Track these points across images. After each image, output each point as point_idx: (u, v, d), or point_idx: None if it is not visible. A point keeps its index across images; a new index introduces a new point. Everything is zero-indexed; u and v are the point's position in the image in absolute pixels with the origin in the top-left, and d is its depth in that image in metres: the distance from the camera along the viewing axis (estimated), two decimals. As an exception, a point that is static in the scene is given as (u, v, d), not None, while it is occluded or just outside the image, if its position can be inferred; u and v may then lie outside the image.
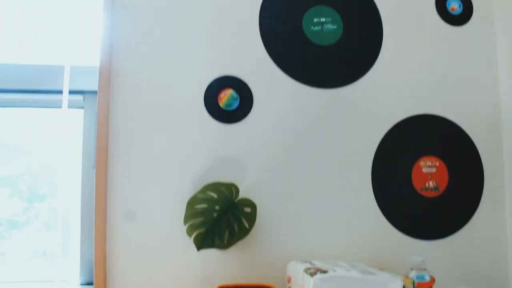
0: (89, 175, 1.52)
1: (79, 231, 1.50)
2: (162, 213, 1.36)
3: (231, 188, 1.33)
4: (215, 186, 1.33)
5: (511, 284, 1.49)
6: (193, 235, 1.32)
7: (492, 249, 1.51)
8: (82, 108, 1.58)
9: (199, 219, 1.32)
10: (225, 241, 1.33)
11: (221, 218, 1.33)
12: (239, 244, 1.34)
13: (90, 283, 1.46)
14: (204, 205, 1.32)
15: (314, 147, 1.45)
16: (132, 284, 1.34)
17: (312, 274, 1.11)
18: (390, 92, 1.51)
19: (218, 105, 1.41)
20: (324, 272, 1.12)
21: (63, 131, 1.56)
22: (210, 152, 1.40)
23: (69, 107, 1.56)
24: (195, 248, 1.33)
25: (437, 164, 1.50)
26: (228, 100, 1.42)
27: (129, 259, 1.34)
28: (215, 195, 1.32)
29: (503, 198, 1.54)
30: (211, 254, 1.36)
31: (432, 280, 1.29)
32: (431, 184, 1.50)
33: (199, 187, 1.34)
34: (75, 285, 1.47)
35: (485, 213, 1.52)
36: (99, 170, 1.37)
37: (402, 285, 1.15)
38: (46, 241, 1.54)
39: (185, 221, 1.32)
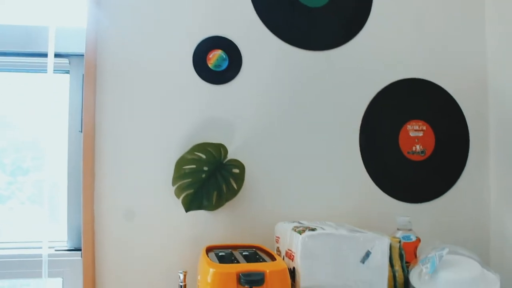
0: (76, 140, 1.49)
1: (66, 196, 1.48)
2: (150, 174, 1.35)
3: (220, 149, 1.32)
4: (203, 147, 1.32)
5: (491, 247, 1.52)
6: (181, 197, 1.32)
7: (475, 213, 1.53)
8: (68, 73, 1.54)
9: (187, 180, 1.31)
10: (213, 202, 1.33)
11: (209, 179, 1.32)
12: (227, 205, 1.34)
13: (78, 249, 1.44)
14: (192, 166, 1.31)
15: (302, 109, 1.44)
16: (120, 246, 1.34)
17: (300, 232, 1.12)
18: (378, 55, 1.50)
19: (207, 66, 1.39)
20: (313, 230, 1.13)
21: (48, 98, 1.53)
22: (199, 113, 1.38)
23: (54, 71, 1.53)
24: (183, 210, 1.32)
25: (424, 128, 1.51)
26: (217, 61, 1.40)
27: (116, 221, 1.34)
28: (203, 156, 1.32)
29: (487, 164, 1.55)
30: (200, 215, 1.36)
31: (418, 240, 1.31)
32: (418, 148, 1.51)
33: (187, 148, 1.33)
34: (62, 250, 1.46)
35: (470, 178, 1.54)
36: (86, 134, 1.35)
37: (389, 243, 1.17)
38: (31, 213, 1.52)
39: (174, 182, 1.31)
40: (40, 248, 1.39)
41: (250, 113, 1.41)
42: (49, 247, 1.42)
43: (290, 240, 1.15)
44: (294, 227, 1.17)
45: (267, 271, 0.99)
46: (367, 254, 1.13)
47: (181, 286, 1.29)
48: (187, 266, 1.33)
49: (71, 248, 1.46)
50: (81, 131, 1.42)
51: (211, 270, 0.99)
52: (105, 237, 1.33)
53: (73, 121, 1.49)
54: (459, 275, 1.14)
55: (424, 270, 1.16)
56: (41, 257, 1.38)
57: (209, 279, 0.98)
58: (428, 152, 1.51)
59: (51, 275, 1.40)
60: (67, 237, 1.47)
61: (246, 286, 0.96)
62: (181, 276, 1.28)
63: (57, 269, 1.41)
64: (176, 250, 1.35)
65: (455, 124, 1.53)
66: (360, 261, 1.13)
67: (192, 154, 1.31)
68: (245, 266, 1.01)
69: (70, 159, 1.48)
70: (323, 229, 1.14)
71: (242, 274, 0.97)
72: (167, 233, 1.35)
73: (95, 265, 1.34)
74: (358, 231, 1.17)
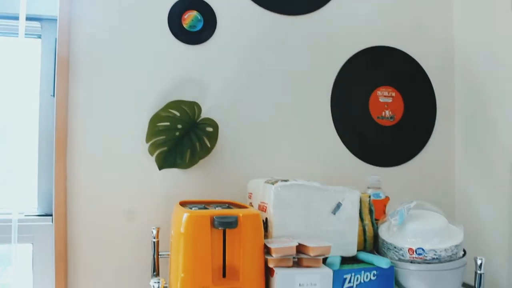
0: (48, 105, 1.47)
1: (37, 162, 1.46)
2: (124, 132, 1.34)
3: (194, 107, 1.32)
4: (177, 104, 1.31)
5: (456, 208, 1.56)
6: (155, 154, 1.31)
7: (441, 176, 1.57)
8: (40, 37, 1.51)
9: (161, 138, 1.31)
10: (187, 160, 1.33)
11: (183, 137, 1.32)
12: (200, 163, 1.34)
13: (48, 214, 1.43)
14: (166, 123, 1.31)
15: (275, 71, 1.45)
16: (93, 204, 1.32)
17: (273, 183, 1.13)
18: (349, 23, 1.52)
19: (182, 26, 1.39)
20: (285, 181, 1.14)
21: (19, 62, 1.50)
22: (173, 72, 1.38)
23: (25, 36, 1.50)
24: (157, 167, 1.32)
25: (393, 94, 1.54)
26: (192, 21, 1.40)
27: (89, 180, 1.32)
28: (177, 113, 1.31)
29: (452, 130, 1.60)
30: (173, 173, 1.35)
31: (387, 198, 1.34)
32: (387, 113, 1.54)
33: (162, 106, 1.32)
34: (32, 215, 1.44)
35: (436, 144, 1.58)
36: (59, 98, 1.32)
37: (359, 195, 1.19)
38: (0, 179, 1.49)
39: (147, 139, 1.30)
40: (10, 214, 1.36)
41: (224, 74, 1.41)
42: (19, 213, 1.39)
43: (263, 192, 1.16)
44: (267, 180, 1.18)
45: (240, 215, 0.99)
46: (338, 206, 1.15)
47: (154, 242, 1.29)
48: (160, 224, 1.33)
49: (41, 214, 1.44)
50: (53, 96, 1.40)
51: (186, 214, 0.99)
52: (77, 197, 1.32)
53: (45, 86, 1.47)
54: (426, 226, 1.17)
55: (392, 222, 1.19)
56: (11, 222, 1.35)
57: (183, 224, 0.98)
58: (397, 118, 1.54)
59: (20, 240, 1.37)
60: (37, 203, 1.45)
61: (219, 228, 0.97)
62: (154, 232, 1.28)
63: (27, 234, 1.39)
64: (149, 208, 1.34)
65: (422, 91, 1.57)
66: (332, 212, 1.15)
67: (166, 112, 1.31)
68: (218, 212, 1.01)
69: (41, 123, 1.46)
70: (295, 181, 1.15)
71: (216, 217, 0.97)
72: (140, 191, 1.34)
73: (67, 226, 1.32)
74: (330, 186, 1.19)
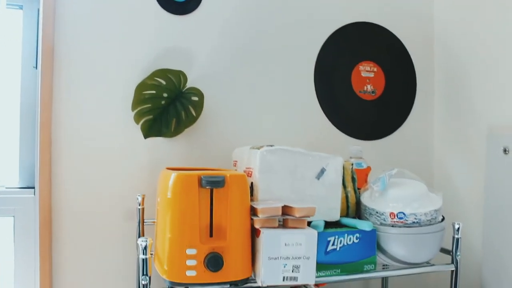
0: (30, 76, 1.45)
1: (18, 135, 1.44)
2: (109, 100, 1.33)
3: (180, 76, 1.32)
4: (163, 73, 1.31)
5: (435, 179, 1.60)
6: (141, 122, 1.31)
7: (421, 150, 1.61)
8: (21, 8, 1.49)
9: (146, 106, 1.30)
10: (172, 129, 1.33)
11: (168, 106, 1.32)
12: (186, 131, 1.35)
13: (31, 187, 1.41)
14: (152, 91, 1.30)
15: (260, 44, 1.46)
16: (78, 173, 1.32)
17: (259, 148, 1.14)
18: (334, -1, 1.54)
19: (168, -4, 1.39)
20: (271, 146, 1.15)
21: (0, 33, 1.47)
22: (159, 42, 1.37)
23: (6, 6, 1.47)
24: (142, 136, 1.32)
25: (375, 69, 1.56)
26: (178, -9, 1.40)
27: (74, 148, 1.31)
28: (163, 82, 1.31)
29: (432, 104, 1.63)
30: (158, 141, 1.35)
31: (368, 168, 1.36)
32: (369, 87, 1.56)
33: (148, 74, 1.32)
34: (14, 188, 1.41)
35: (417, 117, 1.61)
36: (45, 69, 1.30)
37: (342, 162, 1.21)
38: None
39: (133, 107, 1.30)
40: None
41: (210, 44, 1.41)
42: (0, 186, 1.38)
43: (248, 158, 1.17)
44: (252, 146, 1.19)
45: (228, 175, 1.00)
46: (322, 171, 1.17)
47: (139, 209, 1.29)
48: (145, 192, 1.33)
49: (23, 187, 1.42)
50: (36, 68, 1.38)
51: (174, 174, 0.99)
52: (62, 166, 1.31)
53: (27, 58, 1.45)
54: (407, 191, 1.19)
55: (374, 188, 1.21)
56: (-8, 195, 1.33)
57: (171, 184, 0.98)
58: (379, 93, 1.56)
59: (1, 213, 1.36)
60: (19, 176, 1.43)
61: (207, 187, 0.97)
62: (139, 199, 1.28)
63: (8, 207, 1.37)
64: (134, 176, 1.34)
65: (403, 66, 1.59)
66: (316, 178, 1.17)
67: (152, 80, 1.30)
68: (206, 172, 1.01)
69: (23, 96, 1.44)
70: (280, 146, 1.16)
71: (203, 176, 0.97)
72: (125, 160, 1.34)
73: (51, 195, 1.31)
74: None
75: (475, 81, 1.46)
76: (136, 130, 1.32)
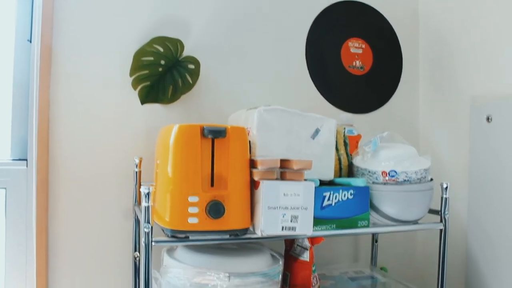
0: (24, 50, 1.44)
1: (10, 108, 1.42)
2: (108, 66, 1.33)
3: (177, 44, 1.33)
4: (161, 40, 1.32)
5: (421, 151, 1.63)
6: (138, 88, 1.32)
7: (408, 124, 1.65)
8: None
9: (144, 72, 1.31)
10: (169, 96, 1.34)
11: (165, 73, 1.33)
12: (182, 98, 1.35)
13: (23, 159, 1.40)
14: (150, 58, 1.31)
15: (255, 16, 1.47)
16: (75, 139, 1.31)
17: (256, 108, 1.15)
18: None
19: (165, -34, 1.40)
20: (268, 105, 1.17)
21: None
22: (158, 10, 1.37)
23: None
24: (139, 102, 1.33)
25: (363, 46, 1.60)
26: (174, -38, 1.41)
27: (72, 112, 1.31)
28: (161, 49, 1.32)
29: (417, 80, 1.67)
30: (155, 108, 1.36)
31: (359, 135, 1.38)
32: (357, 63, 1.59)
33: (146, 42, 1.33)
34: (5, 160, 1.39)
35: (403, 93, 1.65)
36: (44, 38, 1.29)
37: (335, 124, 1.23)
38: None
39: (131, 73, 1.31)
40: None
41: (206, 14, 1.42)
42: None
43: (245, 119, 1.18)
44: (248, 108, 1.21)
45: (229, 127, 1.01)
46: (317, 131, 1.19)
47: (136, 172, 1.29)
48: (142, 157, 1.32)
49: (15, 159, 1.41)
50: (30, 41, 1.38)
51: (176, 126, 1.00)
52: (60, 133, 1.30)
53: (21, 30, 1.43)
54: (398, 151, 1.22)
55: (366, 150, 1.24)
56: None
57: (174, 135, 0.99)
58: (367, 68, 1.60)
59: (-6, 186, 1.34)
60: (11, 148, 1.40)
61: (209, 137, 0.98)
62: (137, 161, 1.29)
63: (0, 179, 1.35)
64: (131, 141, 1.34)
65: (390, 44, 1.63)
66: (311, 137, 1.19)
67: (150, 47, 1.31)
68: (208, 124, 1.02)
69: (16, 69, 1.42)
70: (277, 106, 1.18)
71: (205, 126, 0.99)
72: (122, 125, 1.33)
73: (49, 164, 1.30)
74: (309, 114, 1.22)
75: (458, 54, 1.50)
76: (133, 96, 1.32)
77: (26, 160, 1.35)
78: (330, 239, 1.54)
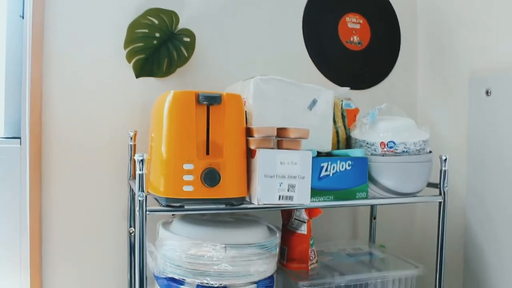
0: (16, 26, 1.41)
1: (3, 85, 1.40)
2: (102, 39, 1.30)
3: (172, 16, 1.31)
4: (156, 12, 1.29)
5: (419, 123, 1.61)
6: (133, 61, 1.29)
7: (406, 100, 1.63)
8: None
9: (139, 45, 1.29)
10: (164, 69, 1.31)
11: (160, 46, 1.30)
12: (178, 71, 1.33)
13: (16, 137, 1.37)
14: (144, 30, 1.29)
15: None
16: (69, 112, 1.28)
17: (251, 78, 1.13)
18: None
19: None
20: (264, 75, 1.14)
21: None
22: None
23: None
24: (134, 76, 1.30)
25: (361, 21, 1.57)
26: None
27: (65, 87, 1.28)
28: (156, 21, 1.29)
29: (416, 55, 1.65)
30: (150, 81, 1.33)
31: (357, 109, 1.36)
32: (355, 38, 1.57)
33: (140, 13, 1.30)
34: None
35: (401, 69, 1.63)
36: (36, 13, 1.27)
37: (333, 95, 1.21)
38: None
39: (126, 46, 1.28)
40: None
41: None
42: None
43: (241, 89, 1.15)
44: (245, 79, 1.18)
45: (224, 93, 0.99)
46: (314, 102, 1.17)
47: (130, 145, 1.27)
48: (137, 129, 1.30)
49: (8, 136, 1.38)
50: (22, 17, 1.35)
51: (171, 92, 0.98)
52: (53, 105, 1.27)
53: (13, 6, 1.41)
54: (397, 123, 1.20)
55: (364, 121, 1.21)
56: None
57: (168, 101, 0.97)
58: (365, 44, 1.57)
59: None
60: (4, 126, 1.37)
61: (204, 103, 0.96)
62: (131, 134, 1.27)
63: None
64: (125, 115, 1.31)
65: (388, 20, 1.61)
66: (308, 108, 1.17)
67: (145, 19, 1.28)
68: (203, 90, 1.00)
69: (8, 45, 1.40)
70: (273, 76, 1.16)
71: (200, 93, 0.96)
72: (117, 99, 1.30)
73: (42, 140, 1.28)
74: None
75: (457, 28, 1.48)
76: (128, 70, 1.30)
77: (20, 138, 1.32)
78: (328, 215, 1.52)
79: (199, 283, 1.02)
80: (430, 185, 1.23)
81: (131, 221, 1.28)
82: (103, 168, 1.30)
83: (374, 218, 1.52)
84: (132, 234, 1.26)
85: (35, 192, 1.27)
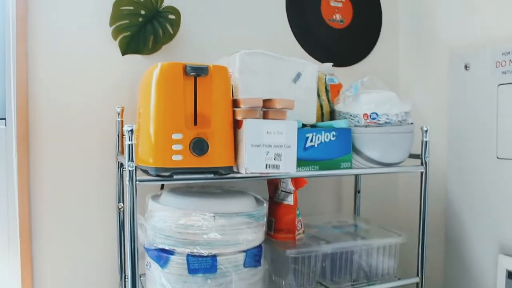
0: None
1: None
2: (88, 16, 1.29)
3: (156, -7, 1.32)
4: (140, -11, 1.31)
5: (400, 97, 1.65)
6: (119, 39, 1.30)
7: (387, 76, 1.66)
8: None
9: (125, 22, 1.30)
10: (150, 47, 1.33)
11: (146, 24, 1.31)
12: (164, 49, 1.34)
13: (1, 118, 1.37)
14: (130, 7, 1.29)
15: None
16: (55, 93, 1.29)
17: (237, 53, 1.15)
18: None
19: None
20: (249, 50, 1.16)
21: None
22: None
23: None
24: (120, 53, 1.31)
25: (343, 0, 1.60)
26: None
27: (51, 65, 1.28)
28: (140, -2, 1.31)
29: (397, 33, 1.69)
30: (136, 58, 1.34)
31: (340, 84, 1.39)
32: (337, 17, 1.59)
33: (125, -9, 1.31)
34: None
35: (383, 47, 1.66)
36: None
37: (317, 68, 1.24)
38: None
39: (111, 23, 1.29)
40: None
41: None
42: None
43: (227, 63, 1.16)
44: (230, 54, 1.20)
45: (211, 65, 1.01)
46: (298, 75, 1.19)
47: (118, 121, 1.28)
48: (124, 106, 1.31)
49: None
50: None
51: (159, 65, 0.99)
52: (39, 84, 1.27)
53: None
54: (379, 95, 1.23)
55: (347, 94, 1.24)
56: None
57: (156, 73, 0.98)
58: (347, 22, 1.60)
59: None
60: None
61: (191, 74, 0.98)
62: (118, 110, 1.28)
63: None
64: (112, 93, 1.31)
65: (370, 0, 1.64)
66: (292, 81, 1.19)
67: (129, -4, 1.29)
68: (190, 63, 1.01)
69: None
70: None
71: (187, 64, 0.98)
72: (104, 76, 1.31)
73: (28, 117, 1.28)
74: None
75: (437, 6, 1.51)
76: (114, 47, 1.30)
77: (5, 119, 1.32)
78: (313, 189, 1.55)
79: (189, 253, 1.04)
80: (412, 156, 1.27)
81: (120, 197, 1.30)
82: (91, 146, 1.31)
83: (359, 192, 1.56)
84: (121, 209, 1.28)
85: (23, 171, 1.27)
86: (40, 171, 1.27)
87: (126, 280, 1.29)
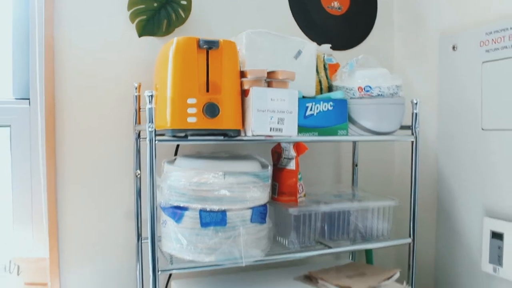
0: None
1: (11, 49, 1.46)
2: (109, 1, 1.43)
3: (170, -19, 1.46)
4: (155, -23, 1.45)
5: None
6: (135, 22, 1.44)
7: (382, 59, 1.78)
8: None
9: (141, 7, 1.43)
10: (163, 30, 1.46)
11: (160, 9, 1.45)
12: (177, 31, 1.47)
13: (25, 98, 1.46)
14: (145, -7, 1.44)
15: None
16: (78, 69, 1.41)
17: (244, 32, 1.28)
18: None
19: None
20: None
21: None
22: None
23: None
24: (136, 35, 1.45)
25: (341, -12, 1.74)
26: None
27: (76, 46, 1.41)
28: (155, -15, 1.44)
29: (391, 19, 1.82)
30: (151, 40, 1.47)
31: (337, 64, 1.52)
32: (335, 4, 1.73)
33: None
34: (9, 99, 1.46)
35: (378, 32, 1.79)
36: None
37: (316, 47, 1.37)
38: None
39: (129, 7, 1.42)
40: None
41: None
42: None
43: (235, 41, 1.28)
44: (237, 35, 1.33)
45: (221, 40, 1.15)
46: (299, 52, 1.33)
47: (135, 96, 1.42)
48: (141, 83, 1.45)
49: (18, 98, 1.46)
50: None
51: (175, 39, 1.13)
52: (64, 65, 1.40)
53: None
54: (372, 71, 1.36)
55: (343, 70, 1.38)
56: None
57: (173, 47, 1.11)
58: (344, 9, 1.74)
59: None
60: (13, 88, 1.46)
61: (204, 47, 1.11)
62: (136, 85, 1.41)
63: (5, 116, 1.43)
64: (130, 70, 1.44)
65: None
66: (294, 57, 1.33)
67: (145, -17, 1.43)
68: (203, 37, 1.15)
69: (16, 5, 1.46)
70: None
71: (201, 38, 1.12)
72: (122, 56, 1.44)
73: (55, 101, 1.40)
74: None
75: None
76: (132, 29, 1.44)
77: (29, 99, 1.44)
78: (313, 161, 1.67)
79: (202, 208, 1.16)
80: (403, 127, 1.39)
81: (137, 166, 1.43)
82: (111, 120, 1.44)
83: (356, 165, 1.68)
84: (138, 176, 1.41)
85: (50, 148, 1.40)
86: (65, 147, 1.40)
87: (142, 241, 1.42)
